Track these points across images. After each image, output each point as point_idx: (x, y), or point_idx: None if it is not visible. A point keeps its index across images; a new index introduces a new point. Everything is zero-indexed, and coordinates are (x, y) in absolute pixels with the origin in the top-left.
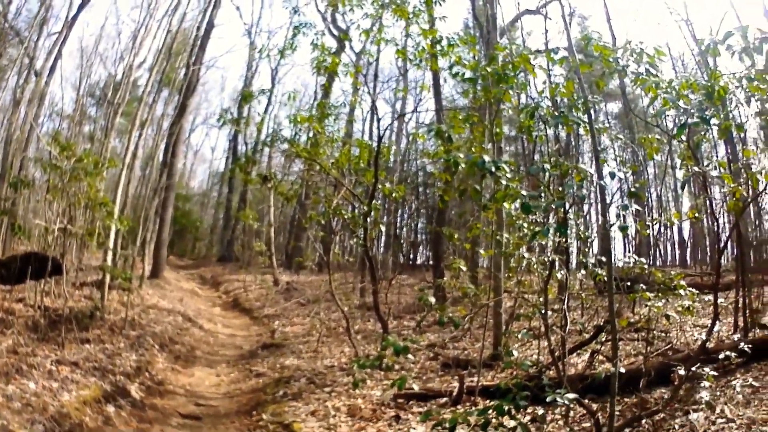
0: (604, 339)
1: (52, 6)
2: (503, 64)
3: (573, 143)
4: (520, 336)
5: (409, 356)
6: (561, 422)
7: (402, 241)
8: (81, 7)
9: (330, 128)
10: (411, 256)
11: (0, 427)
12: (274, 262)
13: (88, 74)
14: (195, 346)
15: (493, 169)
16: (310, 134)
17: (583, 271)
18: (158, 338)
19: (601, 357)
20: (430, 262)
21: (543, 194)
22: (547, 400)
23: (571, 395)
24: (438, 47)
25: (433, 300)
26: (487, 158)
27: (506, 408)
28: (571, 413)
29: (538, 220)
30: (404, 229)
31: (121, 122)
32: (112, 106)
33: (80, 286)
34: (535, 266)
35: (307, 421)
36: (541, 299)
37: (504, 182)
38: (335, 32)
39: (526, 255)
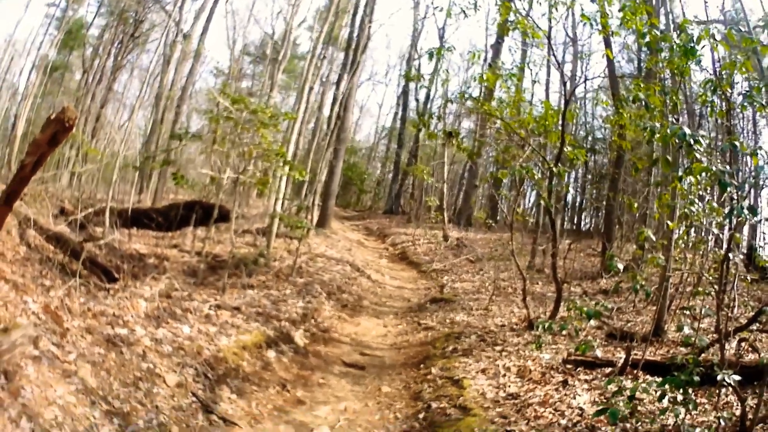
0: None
1: None
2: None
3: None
4: (688, 312)
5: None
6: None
7: (568, 206)
8: None
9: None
10: (575, 221)
11: (145, 370)
12: (445, 217)
13: (243, 34)
14: (362, 296)
15: (692, 141)
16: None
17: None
18: (326, 286)
19: (746, 345)
20: (601, 230)
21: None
22: (717, 378)
23: (737, 377)
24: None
25: (621, 266)
26: (687, 130)
27: (683, 382)
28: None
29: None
30: (570, 194)
31: (282, 78)
32: (274, 63)
33: (242, 234)
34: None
35: (477, 379)
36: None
37: (698, 156)
38: None
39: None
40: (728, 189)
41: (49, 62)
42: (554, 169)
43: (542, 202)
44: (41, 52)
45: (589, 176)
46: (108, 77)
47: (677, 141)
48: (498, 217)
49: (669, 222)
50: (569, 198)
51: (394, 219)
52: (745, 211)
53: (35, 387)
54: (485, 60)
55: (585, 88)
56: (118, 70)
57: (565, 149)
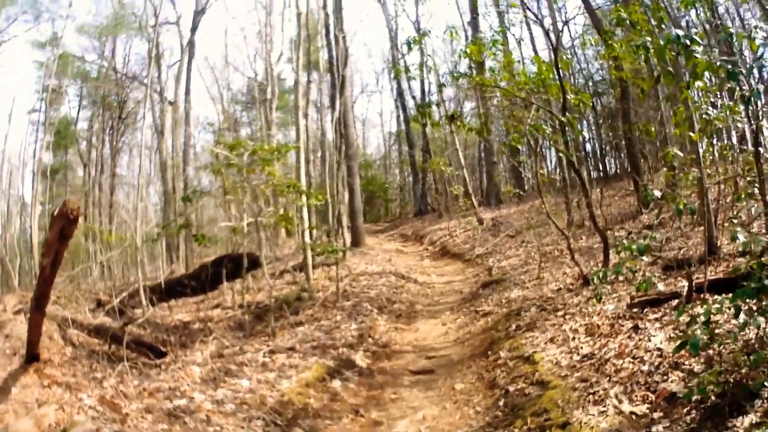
0: None
1: (161, 42)
2: None
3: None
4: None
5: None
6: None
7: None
8: (194, 30)
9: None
10: (600, 168)
11: None
12: (474, 201)
13: (227, 86)
14: (414, 301)
15: (689, 42)
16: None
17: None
18: (375, 302)
19: None
20: (628, 168)
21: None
22: None
23: None
24: None
25: (657, 193)
26: (679, 32)
27: (755, 290)
28: None
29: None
30: (588, 142)
31: (278, 116)
32: (265, 104)
33: (280, 275)
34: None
35: (547, 350)
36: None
37: (698, 56)
38: None
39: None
40: (738, 77)
41: (47, 166)
42: (563, 119)
43: (562, 155)
44: (37, 159)
45: (600, 120)
46: (109, 164)
47: (674, 47)
48: (525, 186)
49: (691, 134)
50: (588, 147)
51: (426, 219)
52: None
53: None
54: (466, 38)
55: (570, 35)
56: (116, 154)
57: (568, 97)
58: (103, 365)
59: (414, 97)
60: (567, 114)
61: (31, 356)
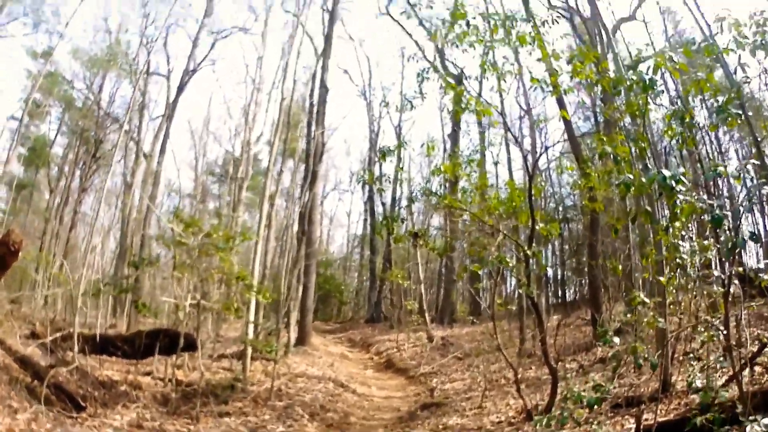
0: None
1: (148, 91)
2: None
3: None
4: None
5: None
6: None
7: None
8: (180, 90)
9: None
10: (560, 294)
11: None
12: (426, 318)
13: (203, 153)
14: (348, 412)
15: (674, 183)
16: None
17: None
18: (308, 407)
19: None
20: (587, 298)
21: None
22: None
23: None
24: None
25: (617, 340)
26: (666, 172)
27: None
28: None
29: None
30: (550, 267)
31: (247, 196)
32: (236, 181)
33: (218, 358)
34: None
35: None
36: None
37: (682, 197)
38: (454, 71)
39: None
40: (722, 223)
41: (15, 178)
42: (528, 252)
43: (521, 288)
44: (7, 168)
45: (566, 247)
46: (74, 199)
47: (657, 187)
48: (481, 310)
49: (660, 278)
50: (550, 272)
51: (377, 327)
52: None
53: None
54: (445, 150)
55: (548, 158)
56: (83, 191)
57: (537, 227)
58: (21, 397)
59: (384, 204)
60: (534, 246)
61: None
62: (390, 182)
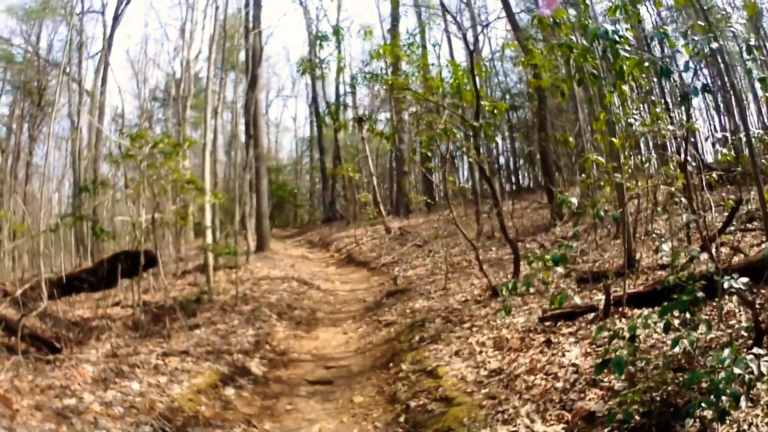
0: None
1: (85, 29)
2: None
3: None
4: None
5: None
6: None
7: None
8: (116, 21)
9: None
10: (513, 181)
11: None
12: (381, 210)
13: (144, 80)
14: (315, 308)
15: (617, 38)
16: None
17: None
18: (275, 308)
19: (728, 248)
20: (541, 182)
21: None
22: (724, 286)
23: (744, 279)
24: None
25: (574, 200)
26: (608, 27)
27: (686, 303)
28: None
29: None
30: (501, 155)
31: (192, 115)
32: (179, 101)
33: (182, 275)
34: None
35: (452, 363)
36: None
37: (625, 54)
38: None
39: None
40: (671, 74)
41: None
42: (476, 124)
43: (474, 165)
44: None
45: (515, 133)
46: (25, 153)
47: (599, 45)
48: (436, 197)
49: (613, 140)
50: (502, 160)
51: (334, 225)
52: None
53: None
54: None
55: (491, 49)
56: (33, 142)
57: (482, 104)
58: (1, 356)
59: (328, 102)
60: (480, 120)
61: None
62: (329, 69)
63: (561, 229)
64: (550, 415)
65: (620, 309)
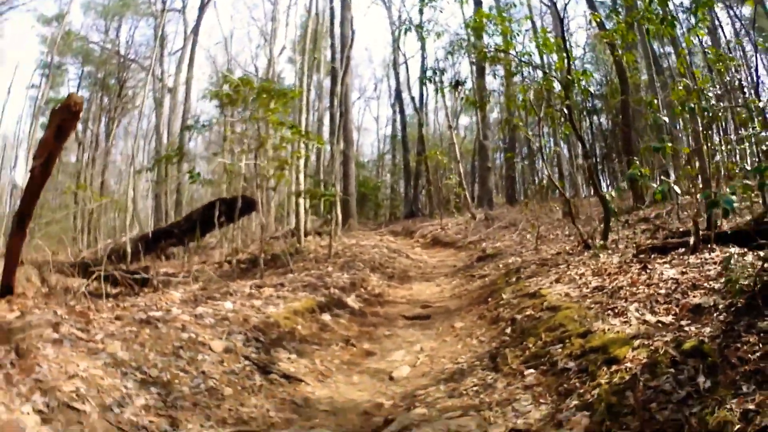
0: None
1: (165, 26)
2: None
3: None
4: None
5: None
6: None
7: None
8: (200, 17)
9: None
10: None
11: (186, 340)
12: (467, 195)
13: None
14: (406, 270)
15: None
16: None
17: None
18: (367, 263)
19: None
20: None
21: None
22: None
23: None
24: None
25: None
26: None
27: None
28: None
29: None
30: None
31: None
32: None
33: (270, 242)
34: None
35: (554, 287)
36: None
37: None
38: None
39: None
40: None
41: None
42: (569, 76)
43: (563, 115)
44: (33, 139)
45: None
46: (103, 146)
47: None
48: (517, 195)
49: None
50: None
51: (417, 219)
52: None
53: (53, 364)
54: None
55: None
56: (111, 134)
57: (572, 65)
58: (78, 296)
59: (413, 98)
60: (572, 74)
61: (5, 288)
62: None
63: (644, 212)
64: (657, 309)
65: (708, 245)
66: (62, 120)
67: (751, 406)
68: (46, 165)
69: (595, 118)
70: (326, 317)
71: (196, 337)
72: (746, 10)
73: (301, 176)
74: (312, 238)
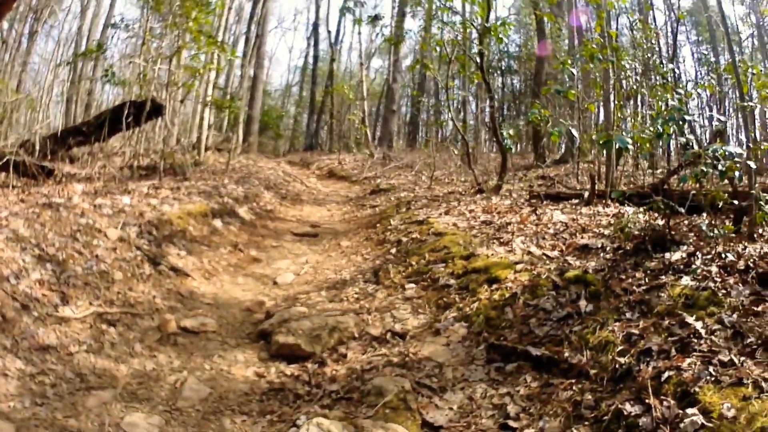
0: None
1: None
2: None
3: None
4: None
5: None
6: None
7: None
8: None
9: None
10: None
11: (84, 225)
12: (368, 134)
13: None
14: (299, 194)
15: None
16: None
17: None
18: (263, 182)
19: None
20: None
21: None
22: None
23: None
24: None
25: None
26: None
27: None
28: None
29: None
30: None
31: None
32: None
33: (171, 151)
34: None
35: (442, 218)
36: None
37: None
38: None
39: None
40: None
41: None
42: (486, 25)
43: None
44: None
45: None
46: (26, 44)
47: None
48: (418, 142)
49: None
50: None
51: (315, 153)
52: None
53: None
54: None
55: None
56: (34, 35)
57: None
58: None
59: (329, 32)
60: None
61: None
62: None
63: (543, 171)
64: (544, 245)
65: (603, 200)
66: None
67: (635, 331)
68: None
69: (508, 79)
70: (218, 223)
71: (93, 224)
72: None
73: (210, 89)
74: (212, 154)
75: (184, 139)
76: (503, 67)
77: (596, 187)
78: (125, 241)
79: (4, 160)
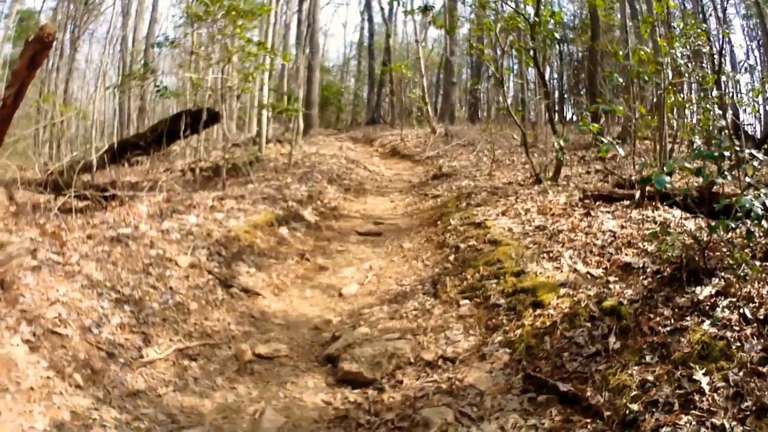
0: None
1: None
2: None
3: None
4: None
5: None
6: None
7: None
8: None
9: None
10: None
11: (155, 257)
12: (429, 109)
13: None
14: (362, 182)
15: None
16: None
17: None
18: (325, 175)
19: None
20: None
21: None
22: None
23: None
24: None
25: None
26: None
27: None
28: None
29: None
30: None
31: (241, 23)
32: None
33: (231, 148)
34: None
35: (499, 220)
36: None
37: None
38: None
39: None
40: None
41: (7, 58)
42: (537, 18)
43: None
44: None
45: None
46: (68, 53)
47: None
48: (478, 114)
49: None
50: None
51: (378, 127)
52: None
53: (35, 292)
54: None
55: None
56: (77, 41)
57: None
58: (47, 214)
59: (383, 8)
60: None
61: None
62: None
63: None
64: (589, 260)
65: (653, 203)
66: (36, 50)
67: (650, 377)
68: (18, 94)
69: (565, 46)
70: (284, 231)
71: (163, 254)
72: None
73: (266, 89)
74: (273, 146)
75: (242, 136)
76: (559, 38)
77: (646, 190)
78: (196, 267)
79: (65, 194)
